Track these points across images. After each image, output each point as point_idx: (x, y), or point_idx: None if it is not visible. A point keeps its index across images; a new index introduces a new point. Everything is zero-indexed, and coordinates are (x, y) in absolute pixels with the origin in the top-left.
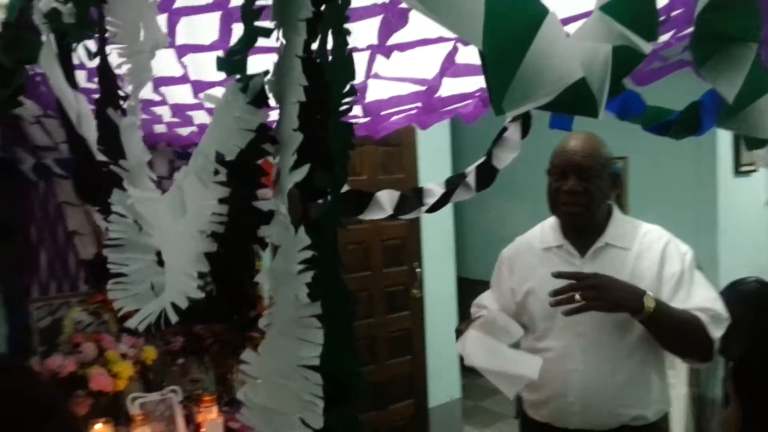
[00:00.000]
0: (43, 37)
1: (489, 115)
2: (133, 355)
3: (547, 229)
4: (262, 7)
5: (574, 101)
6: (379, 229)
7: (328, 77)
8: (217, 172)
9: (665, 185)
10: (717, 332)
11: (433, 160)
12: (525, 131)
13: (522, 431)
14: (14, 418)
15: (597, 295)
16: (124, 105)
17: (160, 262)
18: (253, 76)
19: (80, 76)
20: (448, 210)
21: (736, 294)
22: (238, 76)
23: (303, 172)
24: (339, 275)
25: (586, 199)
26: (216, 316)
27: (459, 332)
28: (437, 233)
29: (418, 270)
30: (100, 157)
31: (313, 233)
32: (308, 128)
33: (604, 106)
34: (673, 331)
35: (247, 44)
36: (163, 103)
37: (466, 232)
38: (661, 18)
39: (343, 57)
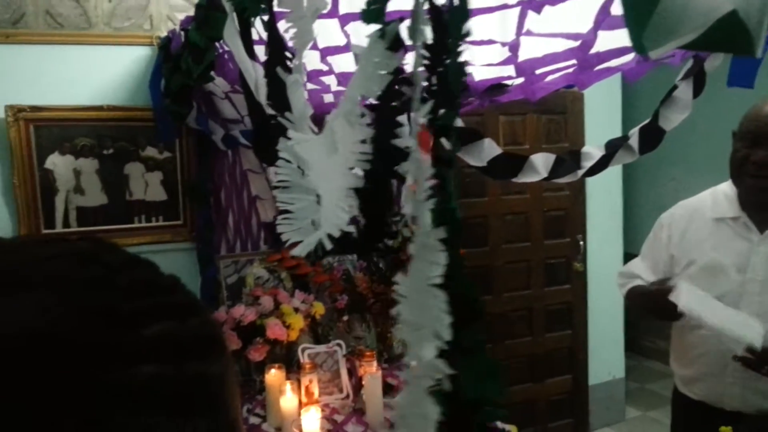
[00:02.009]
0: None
1: (664, 79)
2: (304, 310)
3: (720, 197)
4: None
5: (725, 38)
6: (541, 200)
7: (447, 21)
8: (362, 115)
9: None
10: None
11: (602, 130)
12: (698, 89)
13: (674, 407)
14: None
15: None
16: (290, 65)
17: (320, 203)
18: (389, 23)
19: (259, 51)
20: (617, 181)
21: None
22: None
23: (427, 108)
24: (452, 204)
25: None
26: (364, 245)
27: (645, 296)
28: (604, 205)
29: (581, 243)
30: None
31: (436, 166)
32: (433, 69)
33: (762, 43)
34: None
35: None
36: (330, 72)
37: (637, 205)
38: None
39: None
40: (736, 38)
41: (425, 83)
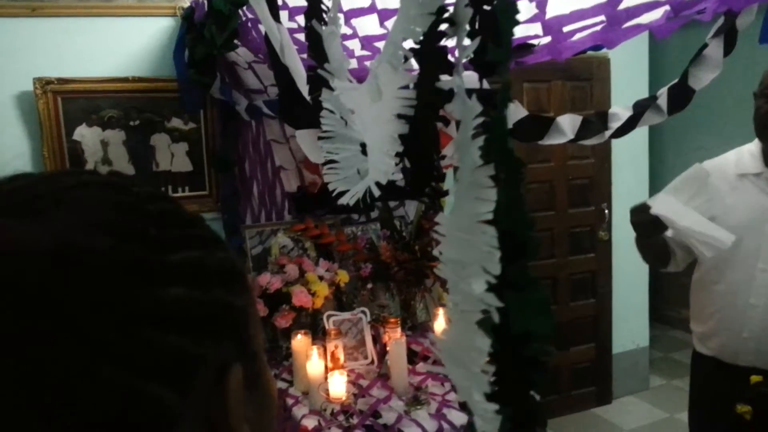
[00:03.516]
0: None
1: (692, 46)
2: (329, 278)
3: (745, 154)
4: None
5: None
6: (566, 168)
7: None
8: (405, 59)
9: None
10: None
11: (628, 97)
12: (729, 48)
13: (692, 367)
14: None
15: None
16: (326, 17)
17: (365, 153)
18: None
19: (283, 15)
20: (643, 149)
21: None
22: None
23: (474, 45)
24: (507, 142)
25: None
26: (411, 190)
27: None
28: (630, 174)
29: (606, 211)
30: (301, 79)
31: (485, 101)
32: (478, 5)
33: None
34: None
35: None
36: (353, 36)
37: (663, 174)
38: None
39: None
40: None
41: (470, 25)
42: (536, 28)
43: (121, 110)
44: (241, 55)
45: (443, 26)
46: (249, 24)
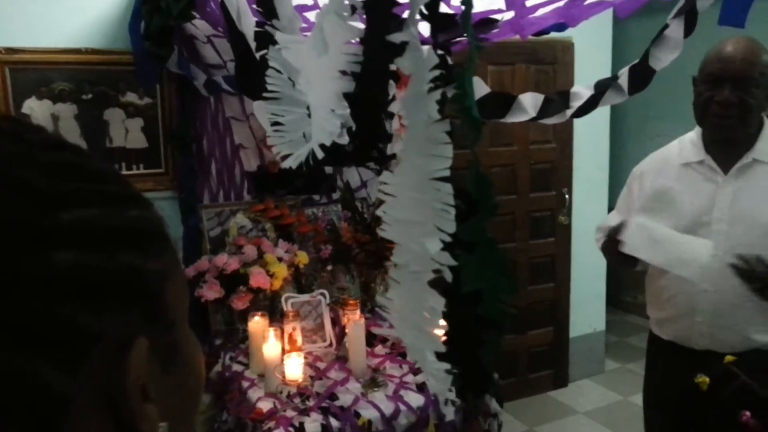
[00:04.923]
0: None
1: (654, 31)
2: (288, 259)
3: (687, 143)
4: None
5: None
6: (528, 152)
7: None
8: (353, 10)
9: None
10: None
11: (592, 81)
12: (689, 28)
13: (648, 349)
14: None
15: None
16: None
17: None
18: None
19: None
20: (604, 135)
21: None
22: None
23: None
24: (471, 97)
25: (740, 110)
26: (356, 154)
27: (608, 246)
28: (591, 159)
29: (567, 196)
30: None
31: (442, 54)
32: None
33: None
34: None
35: None
36: (315, 6)
37: (623, 161)
38: None
39: None
40: None
41: None
42: (499, 2)
43: (73, 83)
44: (200, 28)
45: None
46: None
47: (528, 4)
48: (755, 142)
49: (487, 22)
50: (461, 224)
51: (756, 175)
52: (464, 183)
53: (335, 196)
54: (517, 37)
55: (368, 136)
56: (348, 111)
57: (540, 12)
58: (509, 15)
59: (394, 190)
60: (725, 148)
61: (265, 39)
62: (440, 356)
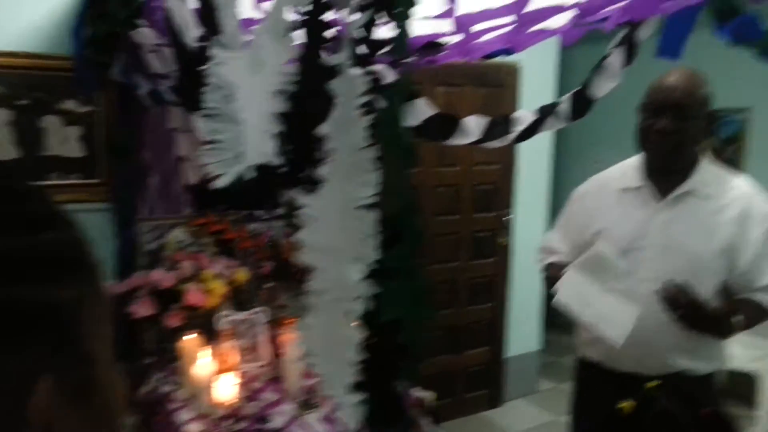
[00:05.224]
0: None
1: (600, 54)
2: (227, 276)
3: (627, 169)
4: None
5: None
6: (472, 173)
7: None
8: (290, 30)
9: None
10: None
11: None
12: (629, 59)
13: (576, 368)
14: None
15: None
16: None
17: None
18: None
19: None
20: (545, 159)
21: None
22: None
23: (363, 19)
24: (399, 124)
25: (677, 139)
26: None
27: (549, 279)
28: (532, 181)
29: (506, 218)
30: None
31: (373, 81)
32: None
33: None
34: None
35: None
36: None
37: (564, 185)
38: None
39: None
40: None
41: None
42: (447, 25)
43: (8, 87)
44: (147, 36)
45: None
46: (157, 3)
47: (476, 28)
48: (690, 173)
49: (434, 45)
50: (386, 251)
51: (688, 207)
52: (394, 207)
53: (279, 211)
54: (466, 59)
55: (300, 159)
56: (280, 131)
57: (487, 37)
58: (457, 38)
59: (315, 213)
60: (664, 175)
61: (206, 53)
62: (353, 387)
